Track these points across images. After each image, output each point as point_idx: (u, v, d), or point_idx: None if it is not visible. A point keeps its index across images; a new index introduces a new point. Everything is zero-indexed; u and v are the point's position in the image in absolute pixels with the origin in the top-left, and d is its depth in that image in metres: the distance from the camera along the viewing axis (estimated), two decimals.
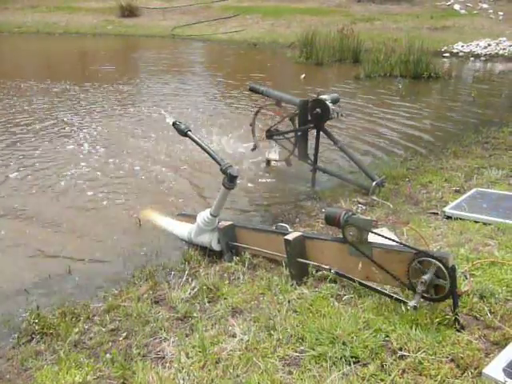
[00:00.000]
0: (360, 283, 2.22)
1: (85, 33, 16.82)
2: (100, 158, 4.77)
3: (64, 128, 5.74)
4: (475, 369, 1.72)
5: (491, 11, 15.75)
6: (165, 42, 15.46)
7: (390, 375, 1.72)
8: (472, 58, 11.94)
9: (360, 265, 2.21)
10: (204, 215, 2.86)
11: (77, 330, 2.20)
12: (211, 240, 2.87)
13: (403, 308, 2.03)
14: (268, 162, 4.62)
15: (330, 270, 2.32)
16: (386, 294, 2.14)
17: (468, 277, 2.31)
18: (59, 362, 1.96)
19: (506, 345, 1.83)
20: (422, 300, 2.03)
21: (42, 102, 7.12)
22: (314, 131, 4.06)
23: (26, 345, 2.15)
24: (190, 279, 2.58)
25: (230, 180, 2.68)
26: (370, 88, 8.63)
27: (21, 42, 15.59)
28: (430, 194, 3.69)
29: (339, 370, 1.76)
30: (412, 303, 1.97)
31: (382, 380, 1.71)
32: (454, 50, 12.35)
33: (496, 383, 1.65)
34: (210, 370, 1.82)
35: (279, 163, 4.56)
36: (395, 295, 2.11)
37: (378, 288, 2.18)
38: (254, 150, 4.69)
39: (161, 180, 4.26)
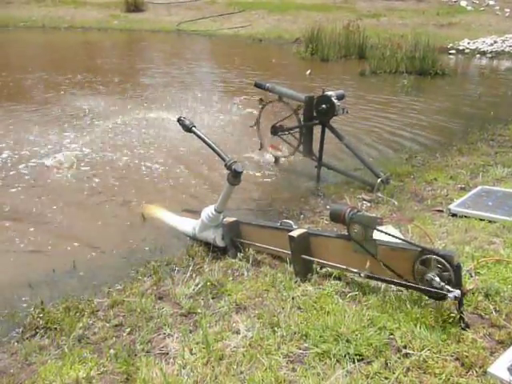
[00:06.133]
0: (394, 282, 2.14)
1: (90, 27, 16.80)
2: (102, 152, 4.74)
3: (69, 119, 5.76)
4: (480, 367, 1.72)
5: (498, 8, 15.65)
6: (170, 37, 15.43)
7: (394, 373, 1.71)
8: (478, 55, 11.86)
9: (368, 263, 2.19)
10: (208, 211, 2.85)
11: (81, 325, 2.20)
12: (215, 236, 2.86)
13: (408, 306, 2.02)
14: (276, 159, 4.59)
15: (360, 274, 2.22)
16: (422, 290, 2.05)
17: (473, 275, 2.30)
18: (63, 357, 1.96)
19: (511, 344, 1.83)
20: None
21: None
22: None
23: (30, 339, 2.15)
24: (194, 275, 2.57)
25: (235, 176, 2.67)
26: (375, 84, 8.59)
27: (27, 36, 15.57)
28: (435, 191, 3.68)
29: (343, 368, 1.75)
30: (451, 295, 1.88)
31: (386, 378, 1.70)
32: (460, 47, 12.28)
33: (501, 382, 1.64)
34: (213, 366, 1.82)
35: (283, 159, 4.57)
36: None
37: (418, 286, 2.07)
38: (260, 149, 4.64)
39: (165, 175, 4.25)
